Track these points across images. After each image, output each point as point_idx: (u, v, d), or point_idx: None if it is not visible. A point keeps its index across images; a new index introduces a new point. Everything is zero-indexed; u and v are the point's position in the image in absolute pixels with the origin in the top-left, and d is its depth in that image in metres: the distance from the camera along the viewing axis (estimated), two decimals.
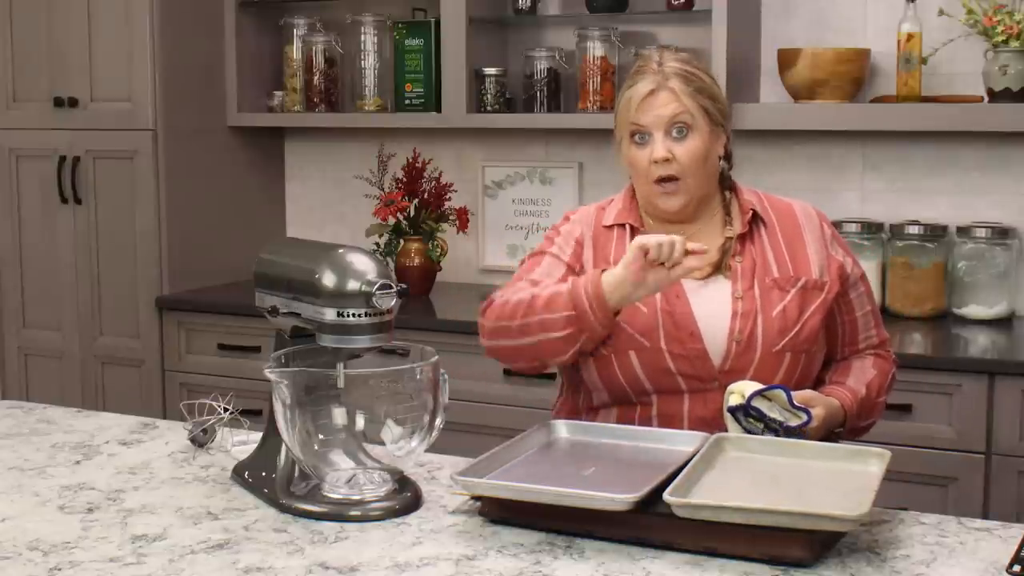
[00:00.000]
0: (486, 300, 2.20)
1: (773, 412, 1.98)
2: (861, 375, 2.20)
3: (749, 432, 1.99)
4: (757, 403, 1.97)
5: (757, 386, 1.99)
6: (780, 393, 1.98)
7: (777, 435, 1.97)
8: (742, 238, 2.18)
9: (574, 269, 2.19)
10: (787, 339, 2.10)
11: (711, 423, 2.07)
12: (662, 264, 1.98)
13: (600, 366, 2.13)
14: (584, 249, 2.21)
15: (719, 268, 2.16)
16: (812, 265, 2.16)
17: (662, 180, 2.13)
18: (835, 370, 2.23)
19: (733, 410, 1.98)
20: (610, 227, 2.22)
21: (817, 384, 2.19)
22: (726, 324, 2.10)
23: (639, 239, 1.99)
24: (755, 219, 2.19)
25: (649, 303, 2.12)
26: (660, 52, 2.19)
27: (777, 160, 3.64)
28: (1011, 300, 3.40)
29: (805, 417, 1.99)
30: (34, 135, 4.07)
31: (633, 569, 1.65)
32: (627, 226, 2.20)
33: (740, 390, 2.00)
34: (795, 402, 1.99)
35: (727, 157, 2.22)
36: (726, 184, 2.23)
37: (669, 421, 2.10)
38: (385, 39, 4.02)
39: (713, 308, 2.12)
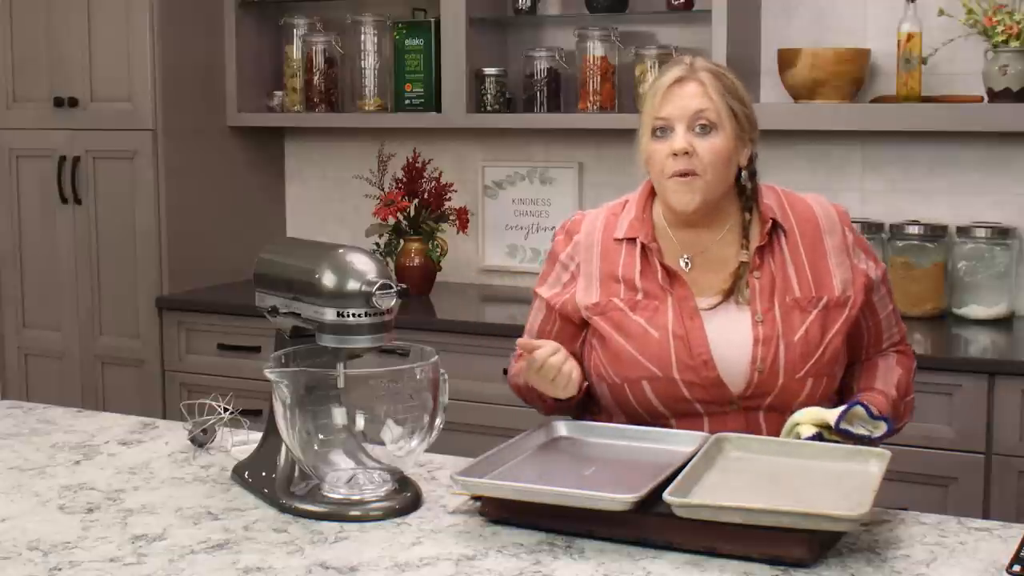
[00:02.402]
0: (511, 360, 2.27)
1: (859, 429, 1.95)
2: (888, 376, 2.15)
3: None
4: (843, 425, 1.93)
5: (829, 412, 1.94)
6: (859, 409, 1.95)
7: None
8: (760, 250, 2.09)
9: (553, 308, 2.17)
10: (810, 364, 2.04)
11: None
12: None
13: (615, 394, 2.10)
14: (581, 276, 2.15)
15: (731, 294, 2.08)
16: (834, 279, 2.08)
17: (678, 175, 2.05)
18: (862, 374, 2.17)
19: (809, 440, 1.93)
20: (620, 241, 2.14)
21: (843, 390, 2.16)
22: (746, 351, 2.04)
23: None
24: (775, 228, 2.11)
25: (661, 329, 2.06)
26: (691, 57, 2.14)
27: (777, 160, 3.63)
28: (1011, 300, 3.40)
29: (886, 426, 1.97)
30: (34, 135, 4.07)
31: (633, 569, 1.65)
32: (637, 241, 2.12)
33: (811, 420, 1.95)
34: (874, 413, 1.96)
35: (751, 174, 2.13)
36: (748, 205, 2.13)
37: None
38: (385, 39, 4.02)
39: (730, 333, 2.05)
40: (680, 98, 2.06)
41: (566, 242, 2.20)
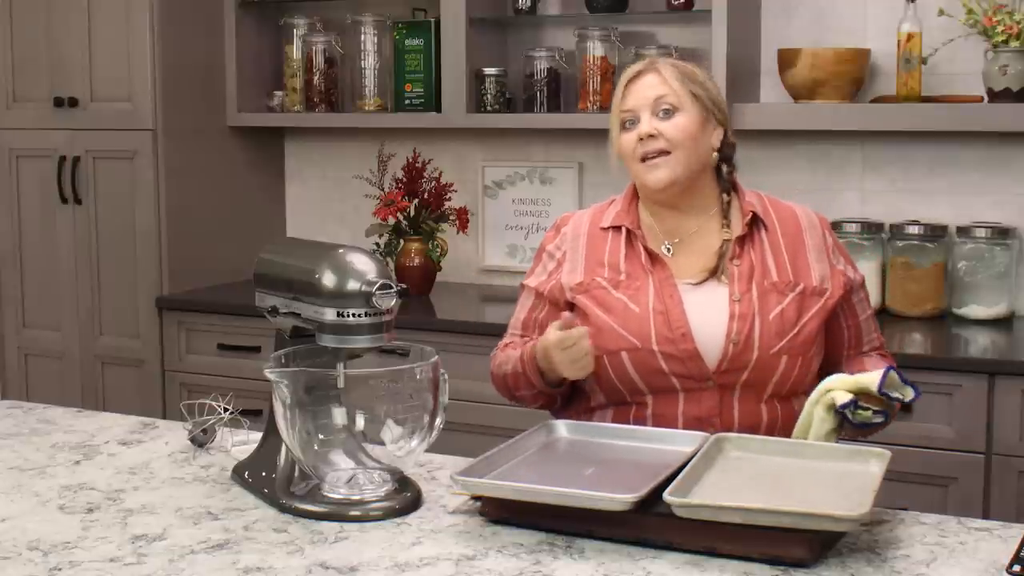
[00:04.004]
0: (493, 353, 2.32)
1: (895, 393, 1.95)
2: (878, 366, 2.16)
3: (852, 424, 1.95)
4: (886, 389, 1.94)
5: (866, 377, 1.95)
6: (894, 375, 1.97)
7: (886, 418, 1.96)
8: (741, 240, 2.17)
9: (543, 295, 2.24)
10: (784, 341, 2.10)
11: (706, 422, 2.08)
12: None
13: (595, 369, 2.12)
14: (567, 262, 2.22)
15: (714, 273, 2.15)
16: (812, 272, 2.16)
17: (647, 156, 2.14)
18: (850, 368, 2.20)
19: (844, 407, 1.93)
20: (606, 229, 2.22)
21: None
22: (722, 326, 2.10)
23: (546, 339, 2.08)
24: (755, 221, 2.19)
25: (642, 303, 2.13)
26: (652, 57, 2.26)
27: (777, 160, 3.64)
28: (1011, 300, 3.40)
29: (913, 392, 1.98)
30: (34, 135, 4.07)
31: (633, 569, 1.65)
32: (623, 228, 2.21)
33: (846, 387, 1.95)
34: (905, 378, 1.98)
35: (727, 159, 2.22)
36: (725, 187, 2.22)
37: (663, 421, 2.10)
38: (385, 39, 4.02)
39: (708, 309, 2.12)
40: (640, 89, 2.18)
41: (554, 236, 2.29)
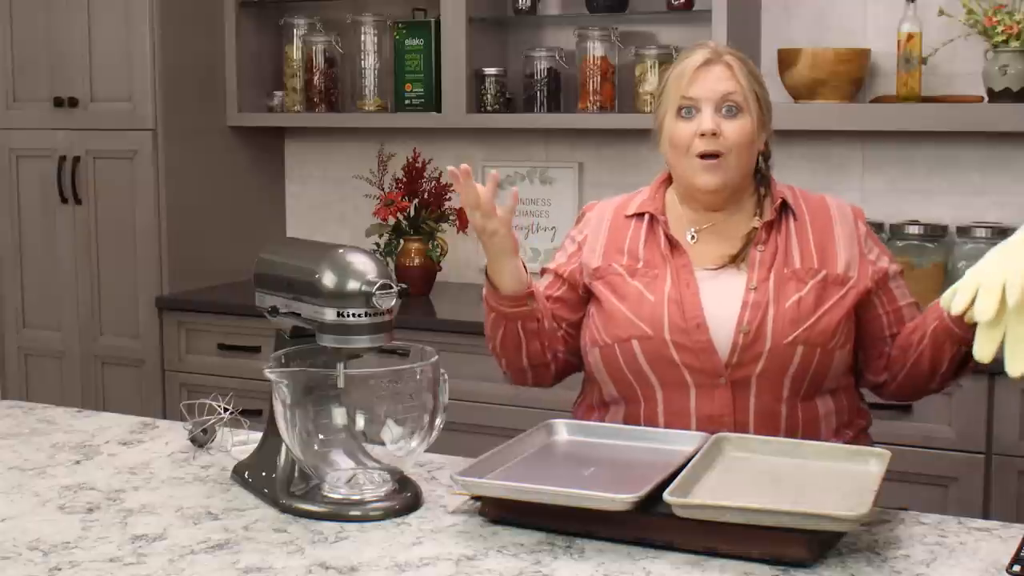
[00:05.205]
0: None
1: None
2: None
3: None
4: None
5: None
6: None
7: None
8: (768, 226, 2.13)
9: (562, 276, 2.22)
10: (800, 330, 2.04)
11: (719, 421, 2.04)
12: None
13: (605, 357, 2.12)
14: (586, 245, 2.20)
15: (735, 259, 2.11)
16: (839, 260, 2.10)
17: (705, 155, 2.08)
18: (920, 322, 2.10)
19: None
20: (630, 217, 2.19)
21: (888, 361, 2.13)
22: (735, 315, 2.06)
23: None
24: (785, 209, 2.15)
25: (657, 292, 2.10)
26: (712, 41, 2.19)
27: (777, 160, 3.61)
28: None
29: None
30: (34, 135, 4.07)
31: (633, 569, 1.65)
32: (645, 215, 2.18)
33: None
34: None
35: (766, 156, 2.18)
36: (761, 182, 2.17)
37: (676, 418, 2.07)
38: (385, 39, 4.02)
39: (724, 299, 2.08)
40: (708, 80, 2.10)
41: (577, 223, 2.28)
